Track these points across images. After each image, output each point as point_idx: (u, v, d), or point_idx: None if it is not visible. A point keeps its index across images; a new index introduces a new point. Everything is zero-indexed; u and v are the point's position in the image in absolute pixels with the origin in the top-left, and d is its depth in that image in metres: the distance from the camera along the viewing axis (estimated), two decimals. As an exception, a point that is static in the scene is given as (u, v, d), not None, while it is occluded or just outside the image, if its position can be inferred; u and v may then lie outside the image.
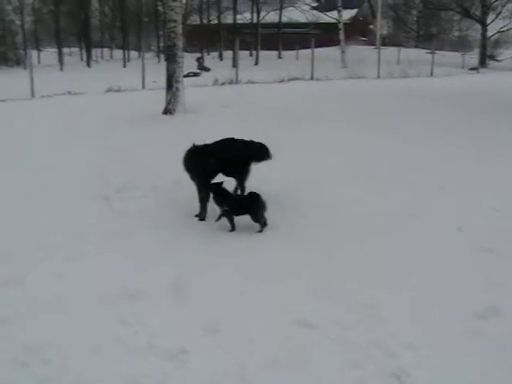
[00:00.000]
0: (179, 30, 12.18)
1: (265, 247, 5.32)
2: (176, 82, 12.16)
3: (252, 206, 5.71)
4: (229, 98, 14.30)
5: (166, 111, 12.07)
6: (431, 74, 27.34)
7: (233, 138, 6.53)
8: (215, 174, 6.28)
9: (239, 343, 3.74)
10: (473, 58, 40.95)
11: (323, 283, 4.56)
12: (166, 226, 5.91)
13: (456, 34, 63.67)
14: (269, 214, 5.78)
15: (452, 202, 6.59)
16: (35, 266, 4.87)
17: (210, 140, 6.39)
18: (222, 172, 6.37)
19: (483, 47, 42.54)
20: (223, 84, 20.50)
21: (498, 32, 45.27)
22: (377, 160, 8.35)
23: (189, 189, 6.73)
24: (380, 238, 5.53)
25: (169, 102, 12.11)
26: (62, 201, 6.62)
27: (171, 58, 12.24)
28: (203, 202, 6.13)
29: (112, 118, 11.68)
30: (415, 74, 25.93)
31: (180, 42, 12.19)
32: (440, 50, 39.91)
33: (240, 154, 6.41)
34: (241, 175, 6.51)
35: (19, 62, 44.18)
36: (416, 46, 54.39)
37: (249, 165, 6.48)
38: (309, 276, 4.69)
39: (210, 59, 43.45)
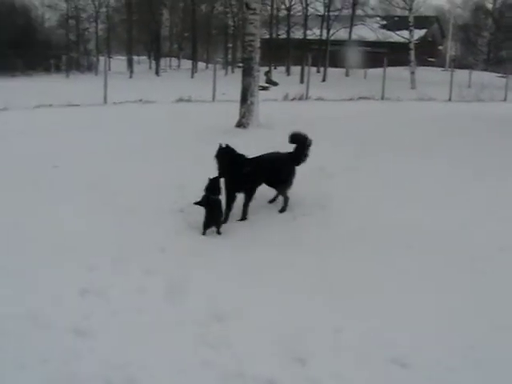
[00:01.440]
0: (257, 43, 12.12)
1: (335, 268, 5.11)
2: (251, 96, 12.09)
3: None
4: (301, 114, 14.12)
5: (240, 124, 12.01)
6: (505, 99, 26.57)
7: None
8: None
9: (330, 377, 3.53)
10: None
11: (404, 312, 4.33)
12: (241, 242, 5.77)
13: (527, 58, 62.27)
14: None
15: None
16: (115, 278, 4.80)
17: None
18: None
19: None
20: (293, 99, 20.40)
21: None
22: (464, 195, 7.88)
23: (263, 204, 6.69)
24: (469, 270, 5.24)
25: (243, 116, 12.05)
26: (139, 212, 6.56)
27: (247, 71, 12.18)
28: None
29: (185, 129, 11.67)
30: (488, 98, 25.23)
31: (257, 56, 12.13)
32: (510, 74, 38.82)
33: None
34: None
35: (90, 67, 45.39)
36: (485, 70, 53.30)
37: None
38: (386, 303, 4.46)
39: (277, 73, 43.55)
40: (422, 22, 50.60)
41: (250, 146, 9.88)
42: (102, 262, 5.09)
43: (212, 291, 4.60)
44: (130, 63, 47.23)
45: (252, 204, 6.73)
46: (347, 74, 45.91)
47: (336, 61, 44.84)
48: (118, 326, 4.05)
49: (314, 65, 38.40)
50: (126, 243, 5.59)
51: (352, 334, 4.00)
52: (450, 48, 59.81)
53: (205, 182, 6.26)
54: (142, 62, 58.87)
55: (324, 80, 40.42)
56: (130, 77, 41.65)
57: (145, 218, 6.41)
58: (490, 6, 59.11)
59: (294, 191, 7.00)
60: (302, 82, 34.58)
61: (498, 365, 3.72)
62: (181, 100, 18.52)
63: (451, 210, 6.90)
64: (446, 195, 7.54)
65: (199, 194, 7.14)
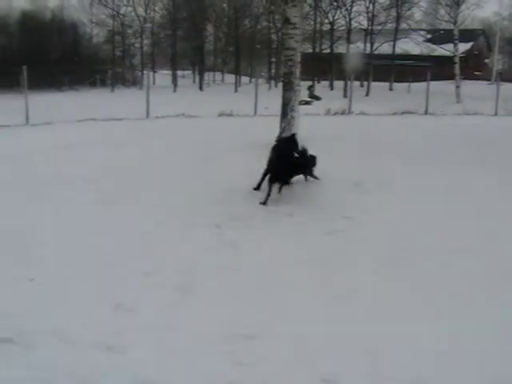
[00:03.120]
0: (297, 58, 12.04)
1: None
2: (291, 111, 12.01)
3: None
4: (342, 130, 14.02)
5: (280, 139, 11.94)
6: (556, 113, 25.88)
7: None
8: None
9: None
10: None
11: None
12: (269, 259, 5.62)
13: None
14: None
15: None
16: (146, 293, 4.76)
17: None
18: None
19: None
20: (335, 114, 20.29)
21: None
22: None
23: (304, 223, 6.61)
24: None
25: (283, 131, 11.96)
26: (175, 226, 6.55)
27: (288, 85, 12.11)
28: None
29: (226, 144, 11.70)
30: (535, 112, 24.65)
31: (298, 70, 12.05)
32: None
33: None
34: None
35: (136, 82, 46.17)
36: (534, 83, 52.28)
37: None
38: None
39: (321, 88, 43.46)
40: (467, 35, 49.98)
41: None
42: (133, 276, 5.07)
43: (241, 308, 4.52)
44: (174, 77, 47.86)
45: (286, 220, 6.81)
46: (391, 88, 45.56)
47: (379, 75, 44.53)
48: (148, 342, 3.99)
49: (357, 79, 38.27)
50: (158, 258, 5.56)
51: (382, 356, 3.88)
52: (497, 61, 58.88)
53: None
54: (186, 76, 59.52)
55: (367, 94, 40.20)
56: (174, 91, 42.22)
57: (179, 232, 6.38)
58: (538, 18, 58.11)
59: (323, 204, 7.06)
60: (345, 96, 34.44)
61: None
62: (223, 114, 18.61)
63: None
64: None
65: (237, 209, 7.16)
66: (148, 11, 54.16)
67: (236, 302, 4.65)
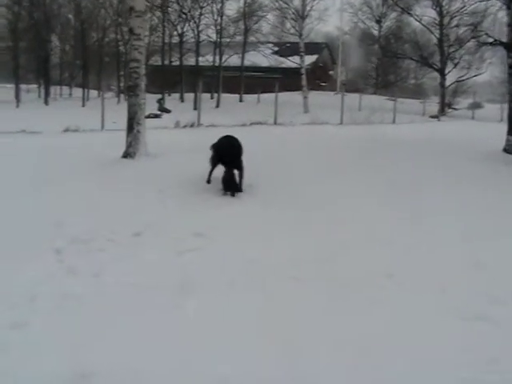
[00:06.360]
0: (142, 70, 11.69)
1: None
2: (137, 125, 11.59)
3: None
4: (191, 143, 13.74)
5: (126, 155, 11.45)
6: (394, 121, 27.47)
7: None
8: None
9: None
10: (431, 105, 41.82)
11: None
12: (122, 287, 5.24)
13: (412, 81, 65.43)
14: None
15: (431, 260, 6.15)
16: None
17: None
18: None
19: (442, 96, 43.45)
20: (185, 127, 20.08)
21: (456, 81, 46.41)
22: (348, 213, 7.91)
23: (152, 244, 6.30)
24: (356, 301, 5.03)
25: (129, 146, 11.52)
26: (9, 253, 5.91)
27: (133, 99, 11.70)
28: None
29: (69, 161, 10.97)
30: (378, 120, 26.00)
31: (143, 83, 11.69)
32: (398, 97, 40.59)
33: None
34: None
35: (-27, 97, 43.30)
36: (374, 93, 55.42)
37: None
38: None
39: (171, 100, 43.14)
40: (312, 48, 51.97)
41: (136, 176, 9.51)
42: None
43: (83, 348, 4.11)
44: (18, 92, 45.48)
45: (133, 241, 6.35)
46: (241, 100, 46.20)
47: (229, 87, 45.02)
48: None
49: (207, 91, 38.36)
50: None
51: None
52: (341, 73, 61.87)
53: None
54: (31, 90, 56.78)
55: (218, 106, 40.45)
56: (17, 106, 40.11)
57: (15, 258, 5.75)
58: (375, 32, 61.76)
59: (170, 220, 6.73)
60: (195, 108, 34.35)
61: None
62: (68, 130, 17.76)
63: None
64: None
65: (76, 231, 6.67)
66: (-15, 21, 51.10)
67: (77, 337, 4.24)
